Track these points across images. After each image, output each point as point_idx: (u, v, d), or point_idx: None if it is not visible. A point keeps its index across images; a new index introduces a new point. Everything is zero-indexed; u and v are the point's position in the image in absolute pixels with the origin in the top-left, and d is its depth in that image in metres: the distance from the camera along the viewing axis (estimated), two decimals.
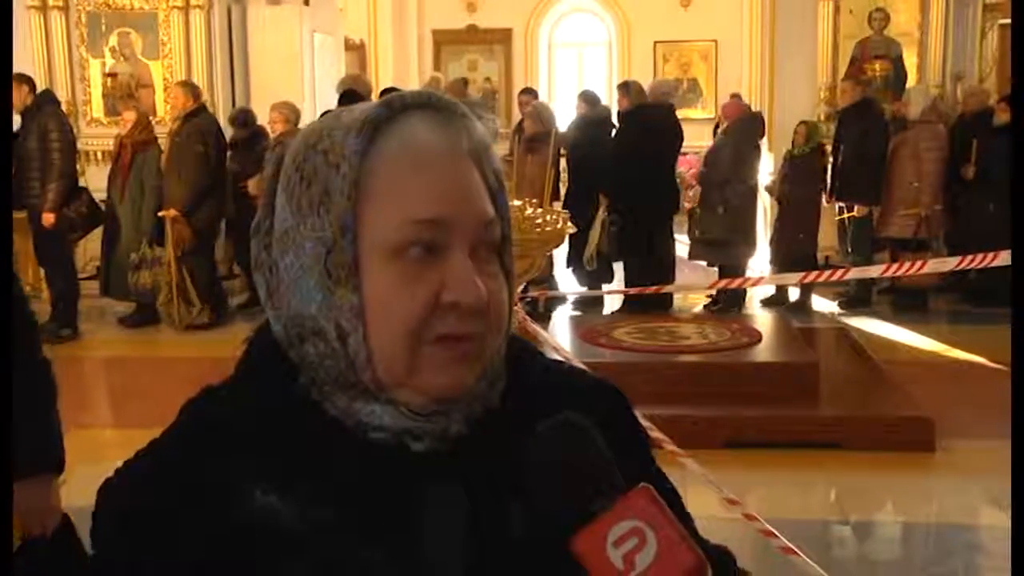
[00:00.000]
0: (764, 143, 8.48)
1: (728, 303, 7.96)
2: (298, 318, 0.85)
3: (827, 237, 9.00)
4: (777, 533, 3.13)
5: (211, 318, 7.77)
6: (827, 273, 4.55)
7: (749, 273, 8.19)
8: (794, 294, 8.29)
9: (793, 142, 8.20)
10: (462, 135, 0.87)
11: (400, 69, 14.35)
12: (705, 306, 8.12)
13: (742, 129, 8.06)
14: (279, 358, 0.88)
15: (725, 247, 7.91)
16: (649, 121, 7.83)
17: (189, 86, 7.98)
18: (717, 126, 8.70)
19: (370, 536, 0.82)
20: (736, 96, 9.86)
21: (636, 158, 7.61)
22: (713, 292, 8.09)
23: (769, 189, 8.56)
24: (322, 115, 0.93)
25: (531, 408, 0.87)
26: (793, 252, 7.97)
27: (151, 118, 8.43)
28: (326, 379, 0.86)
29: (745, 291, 8.07)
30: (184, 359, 6.84)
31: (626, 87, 8.21)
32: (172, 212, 7.51)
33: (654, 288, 6.31)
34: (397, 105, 0.86)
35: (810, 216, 8.02)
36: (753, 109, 9.12)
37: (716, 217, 7.86)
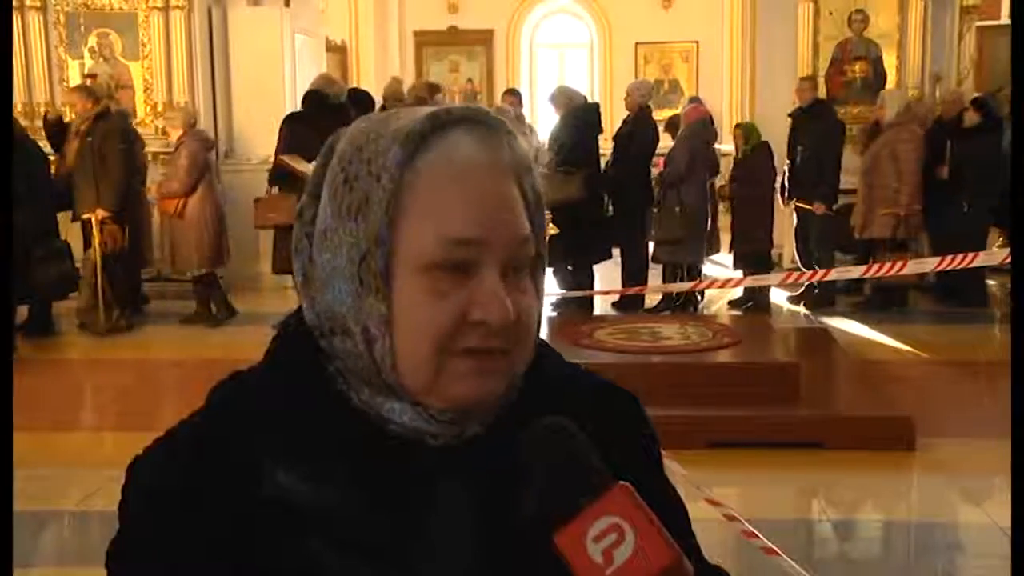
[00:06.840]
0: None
1: (683, 303, 8.02)
2: (329, 312, 0.89)
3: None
4: (759, 534, 3.14)
5: (130, 322, 7.68)
6: (809, 273, 4.56)
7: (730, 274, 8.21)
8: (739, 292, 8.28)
9: (736, 146, 8.26)
10: (504, 150, 0.88)
11: (381, 70, 14.32)
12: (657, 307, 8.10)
13: (693, 132, 8.11)
14: (310, 345, 0.91)
15: (683, 245, 7.95)
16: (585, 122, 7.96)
17: (86, 90, 7.78)
18: (677, 128, 8.73)
19: (380, 518, 0.87)
20: (696, 100, 9.88)
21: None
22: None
23: (721, 189, 8.59)
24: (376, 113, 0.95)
25: (546, 408, 0.89)
26: (746, 251, 8.03)
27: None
28: (352, 371, 0.89)
29: (695, 293, 8.10)
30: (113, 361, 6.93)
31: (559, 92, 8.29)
32: (101, 213, 7.31)
33: (636, 289, 6.32)
34: (442, 118, 0.87)
35: (761, 215, 8.04)
36: (722, 112, 9.16)
37: (673, 217, 7.91)
